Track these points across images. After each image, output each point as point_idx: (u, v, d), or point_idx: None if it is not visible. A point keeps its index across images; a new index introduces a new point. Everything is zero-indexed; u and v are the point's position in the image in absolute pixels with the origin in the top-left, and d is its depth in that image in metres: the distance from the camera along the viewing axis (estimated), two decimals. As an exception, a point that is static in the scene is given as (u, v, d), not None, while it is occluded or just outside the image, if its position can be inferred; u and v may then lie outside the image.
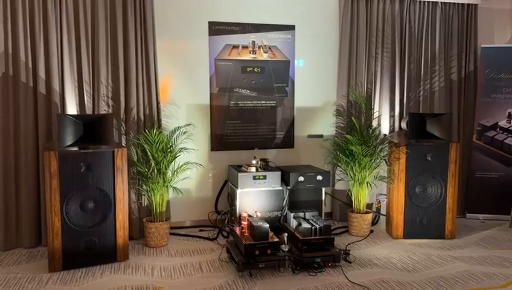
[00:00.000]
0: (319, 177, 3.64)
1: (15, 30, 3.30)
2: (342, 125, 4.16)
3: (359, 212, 3.85)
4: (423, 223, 3.69)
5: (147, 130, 3.52)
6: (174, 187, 3.57)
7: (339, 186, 4.18)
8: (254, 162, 3.75)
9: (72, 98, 3.48)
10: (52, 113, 3.41)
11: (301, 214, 3.40)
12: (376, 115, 4.20)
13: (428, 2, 4.23)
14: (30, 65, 3.35)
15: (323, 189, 3.70)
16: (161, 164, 3.47)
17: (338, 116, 4.16)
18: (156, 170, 3.46)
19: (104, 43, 3.52)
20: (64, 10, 3.39)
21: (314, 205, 3.66)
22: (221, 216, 3.96)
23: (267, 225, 3.10)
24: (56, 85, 3.43)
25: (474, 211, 4.30)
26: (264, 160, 3.77)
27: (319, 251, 3.08)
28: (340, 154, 3.89)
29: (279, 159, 4.07)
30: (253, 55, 4.01)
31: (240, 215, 3.45)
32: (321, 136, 4.23)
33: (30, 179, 3.38)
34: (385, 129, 4.25)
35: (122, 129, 3.62)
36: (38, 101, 3.38)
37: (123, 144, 3.60)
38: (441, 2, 4.25)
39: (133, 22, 3.58)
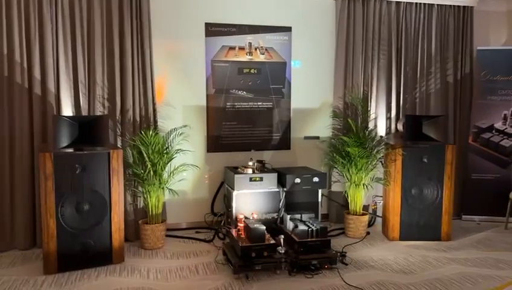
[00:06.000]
0: (316, 179, 3.63)
1: (10, 30, 3.28)
2: (339, 126, 4.17)
3: (355, 214, 3.86)
4: (419, 224, 3.69)
5: (142, 132, 3.51)
6: (170, 189, 3.55)
7: (335, 188, 4.20)
8: (250, 163, 3.75)
9: (67, 99, 3.47)
10: (48, 114, 3.40)
11: (298, 216, 3.41)
12: (372, 116, 4.20)
13: (424, 4, 4.25)
14: (25, 66, 3.34)
15: (320, 191, 3.70)
16: (157, 165, 3.46)
17: (334, 117, 4.16)
18: (152, 172, 3.45)
19: (100, 43, 3.51)
20: (60, 10, 3.38)
21: (310, 206, 3.65)
22: (218, 218, 3.96)
23: (264, 227, 3.10)
24: (51, 86, 3.42)
25: (470, 212, 4.30)
26: (260, 161, 3.76)
27: (315, 253, 3.07)
28: (337, 156, 3.89)
29: (275, 160, 4.06)
30: (249, 57, 4.01)
31: (236, 217, 3.44)
32: (317, 137, 4.24)
33: (25, 181, 3.37)
34: (381, 131, 4.27)
35: (118, 130, 3.61)
36: (33, 102, 3.37)
37: (119, 146, 3.58)
38: (437, 4, 4.27)
39: (129, 22, 3.57)
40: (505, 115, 4.20)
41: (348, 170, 3.83)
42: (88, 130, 3.03)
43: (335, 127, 4.18)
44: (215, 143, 4.03)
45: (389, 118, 4.30)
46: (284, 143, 4.20)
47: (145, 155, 3.46)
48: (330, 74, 4.21)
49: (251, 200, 3.56)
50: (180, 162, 3.67)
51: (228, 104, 4.03)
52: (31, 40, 3.32)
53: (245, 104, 4.06)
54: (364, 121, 4.05)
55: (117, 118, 3.60)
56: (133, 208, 3.69)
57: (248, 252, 2.95)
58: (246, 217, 3.39)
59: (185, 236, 3.81)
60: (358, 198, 3.85)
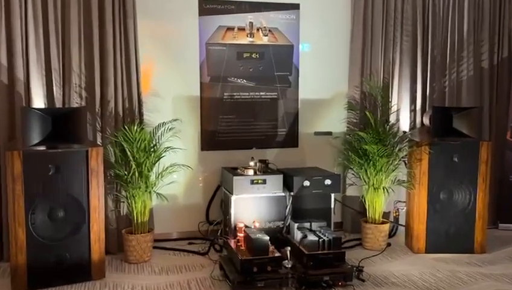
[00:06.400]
0: (328, 182, 3.65)
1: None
2: (355, 120, 4.17)
3: (374, 223, 3.87)
4: (448, 234, 3.69)
5: (126, 126, 3.51)
6: (158, 193, 3.58)
7: (350, 192, 4.20)
8: (252, 163, 3.76)
9: (39, 89, 3.47)
10: (16, 106, 3.39)
11: (307, 225, 3.41)
12: (394, 108, 4.21)
13: (455, -24, 4.27)
14: (-12, 50, 3.37)
15: (333, 195, 3.71)
16: (143, 165, 3.47)
17: (350, 110, 4.17)
18: (137, 173, 3.46)
19: (77, 25, 3.50)
20: (29, -16, 3.39)
21: (321, 213, 3.66)
22: (214, 227, 3.98)
23: (267, 237, 3.11)
24: (20, 73, 3.42)
25: (508, 220, 4.30)
26: (263, 161, 3.77)
27: (327, 268, 3.07)
28: (352, 155, 3.89)
29: (281, 160, 4.05)
30: (250, 39, 4.02)
31: (235, 226, 3.46)
32: (330, 133, 4.24)
33: (-11, 184, 3.39)
34: (405, 125, 4.27)
35: (97, 125, 3.62)
36: (-2, 92, 3.41)
37: (98, 143, 3.59)
38: (471, -22, 4.28)
39: (110, 0, 3.56)
40: (549, 107, 4.23)
41: (366, 171, 3.84)
42: (63, 124, 3.03)
43: (350, 121, 4.19)
44: (210, 140, 4.03)
45: (413, 111, 4.30)
46: (291, 140, 4.21)
47: (129, 154, 3.47)
48: (345, 59, 4.21)
49: (252, 207, 3.57)
50: (170, 162, 3.66)
51: (226, 94, 4.04)
52: (-5, 21, 3.35)
53: (245, 94, 4.07)
54: (384, 114, 4.05)
55: (96, 110, 3.60)
56: (115, 215, 3.70)
57: (249, 267, 2.95)
58: (246, 226, 3.40)
59: (175, 248, 3.82)
60: (378, 204, 3.86)
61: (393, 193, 3.99)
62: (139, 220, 3.53)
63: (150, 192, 3.54)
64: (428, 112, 4.00)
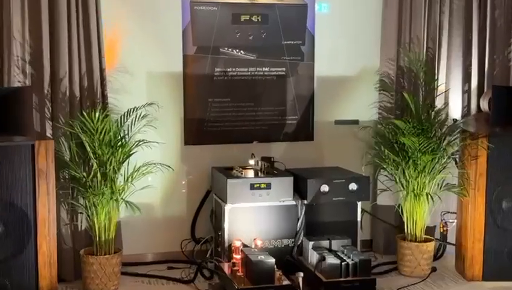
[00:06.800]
0: (353, 186, 3.66)
1: None
2: (389, 105, 4.16)
3: (415, 240, 3.86)
4: (513, 256, 3.73)
5: (85, 113, 3.50)
6: (127, 202, 3.56)
7: (383, 199, 4.20)
8: (252, 162, 3.77)
9: (-33, 63, 3.48)
10: None
11: (325, 243, 3.42)
12: (441, 89, 4.20)
13: None
14: None
15: (359, 204, 3.72)
16: (107, 165, 3.46)
17: (382, 91, 4.16)
18: (99, 175, 3.46)
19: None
20: None
21: (345, 228, 3.67)
22: (201, 246, 3.98)
23: (273, 260, 3.11)
24: None
25: None
26: (267, 159, 3.78)
27: (352, 300, 3.08)
28: (386, 151, 3.87)
29: (291, 157, 4.06)
30: (250, -4, 4.03)
31: (229, 245, 3.47)
32: (356, 122, 4.24)
33: None
34: (455, 112, 4.27)
35: (46, 111, 3.60)
36: None
37: (48, 135, 3.57)
38: None
39: None
40: None
41: (404, 172, 3.83)
42: (1, 109, 3.02)
43: (383, 106, 4.17)
44: (197, 131, 4.03)
45: (467, 92, 4.30)
46: (304, 131, 4.20)
47: (89, 149, 3.47)
48: (376, 24, 4.23)
49: (253, 219, 3.59)
50: (143, 161, 3.65)
51: (217, 70, 4.02)
52: None
53: (243, 70, 4.06)
54: (429, 96, 4.04)
55: (45, 91, 3.58)
56: (70, 231, 3.68)
57: (248, 299, 2.97)
58: (244, 245, 3.40)
59: (150, 274, 3.80)
60: (419, 215, 3.84)
61: (439, 202, 3.98)
62: (103, 238, 3.52)
63: (116, 200, 3.52)
64: (487, 94, 3.98)
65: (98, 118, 3.44)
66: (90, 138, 3.44)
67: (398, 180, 3.90)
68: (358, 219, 3.72)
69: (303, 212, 3.61)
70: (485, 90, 4.20)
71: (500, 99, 3.65)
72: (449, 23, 4.22)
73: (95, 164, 3.46)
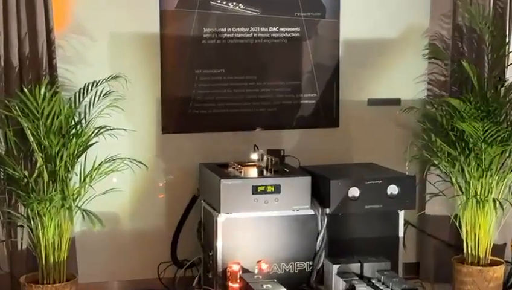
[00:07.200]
0: (393, 190, 3.67)
1: None
2: (442, 78, 4.19)
3: (477, 264, 3.86)
4: None
5: (26, 90, 3.46)
6: (85, 211, 3.49)
7: (433, 208, 4.20)
8: (255, 157, 3.79)
9: None
10: None
11: (355, 267, 3.45)
12: (514, 57, 4.17)
13: None
14: None
15: (402, 214, 3.72)
16: (57, 160, 3.45)
17: (433, 59, 4.17)
18: (46, 174, 3.44)
19: None
20: None
21: (381, 247, 3.69)
22: (186, 271, 3.98)
23: (283, 290, 2.99)
24: None
25: None
26: (275, 153, 3.79)
27: None
28: (438, 141, 3.87)
29: (307, 150, 4.08)
30: None
31: (224, 270, 3.48)
32: (397, 102, 4.24)
33: None
34: (533, 87, 4.19)
35: (-28, 86, 3.59)
36: None
37: (-26, 118, 3.59)
38: None
39: None
40: None
41: (462, 171, 3.83)
42: None
43: (434, 80, 4.19)
44: (179, 115, 4.05)
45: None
46: (326, 114, 4.21)
47: (31, 139, 3.46)
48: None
49: (256, 235, 3.60)
50: (106, 155, 3.65)
51: (207, 30, 4.03)
52: None
53: (243, 30, 4.06)
54: (497, 66, 4.04)
55: (-32, 59, 3.59)
56: (7, 251, 3.70)
57: None
58: (245, 270, 3.43)
59: (117, 309, 3.74)
60: (484, 230, 3.84)
61: (511, 211, 3.99)
62: (51, 260, 3.51)
63: (69, 208, 3.50)
64: None
65: (44, 97, 3.43)
66: (33, 124, 3.43)
67: (454, 181, 3.92)
68: (400, 234, 3.74)
69: (324, 226, 3.62)
70: None
71: None
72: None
73: (40, 160, 3.45)
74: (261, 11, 4.06)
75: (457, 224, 3.95)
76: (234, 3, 4.02)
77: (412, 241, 4.23)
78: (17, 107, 3.45)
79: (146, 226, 4.06)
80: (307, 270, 3.63)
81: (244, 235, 3.58)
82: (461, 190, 3.89)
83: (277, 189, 3.55)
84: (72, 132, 3.54)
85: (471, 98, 3.83)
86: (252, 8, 4.05)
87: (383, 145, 4.24)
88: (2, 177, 3.61)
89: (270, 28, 4.08)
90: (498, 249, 4.06)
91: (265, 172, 3.71)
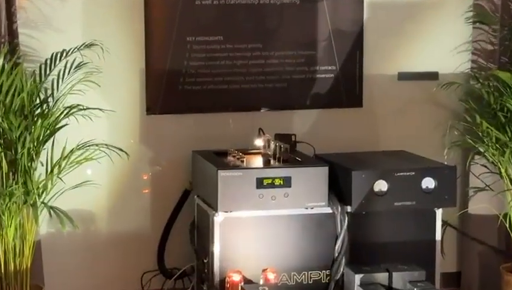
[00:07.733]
0: (429, 183, 3.53)
1: None
2: (489, 47, 4.13)
3: (532, 273, 3.79)
4: None
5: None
6: (52, 208, 3.38)
7: (478, 205, 4.08)
8: (260, 142, 3.71)
9: None
10: None
11: (382, 277, 3.41)
12: None
13: None
14: None
15: (439, 213, 3.60)
16: (18, 147, 3.35)
17: (479, 23, 4.06)
18: (5, 164, 3.39)
19: None
20: None
21: (414, 253, 3.60)
22: (176, 282, 3.94)
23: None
24: None
25: None
26: (285, 138, 3.70)
27: None
28: (484, 123, 3.77)
29: (324, 135, 4.04)
30: None
31: (223, 281, 3.40)
32: (434, 75, 4.11)
33: None
34: None
35: None
36: None
37: None
38: None
39: None
40: None
41: None
42: None
43: (480, 49, 4.14)
44: (168, 92, 3.98)
45: None
46: (347, 91, 4.12)
47: None
48: None
49: (261, 238, 3.50)
50: (78, 141, 3.55)
51: None
52: None
53: None
54: None
55: None
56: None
57: None
58: (247, 281, 3.36)
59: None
60: (540, 232, 3.71)
61: None
62: (12, 267, 3.44)
63: (34, 205, 3.40)
64: None
65: (3, 69, 3.39)
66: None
67: (504, 173, 3.81)
68: (438, 237, 3.60)
69: (345, 227, 3.49)
70: None
71: None
72: None
73: (-2, 147, 3.28)
74: (267, -36, 3.87)
75: (507, 225, 3.88)
76: (233, -46, 3.93)
77: (452, 246, 4.20)
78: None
79: (127, 227, 4.01)
80: (323, 281, 3.51)
81: (246, 238, 3.47)
82: (512, 184, 3.65)
83: (287, 182, 3.42)
84: (36, 112, 3.48)
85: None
86: (256, -40, 3.93)
87: (417, 129, 4.19)
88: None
89: (277, -15, 3.89)
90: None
91: (272, 161, 3.58)
